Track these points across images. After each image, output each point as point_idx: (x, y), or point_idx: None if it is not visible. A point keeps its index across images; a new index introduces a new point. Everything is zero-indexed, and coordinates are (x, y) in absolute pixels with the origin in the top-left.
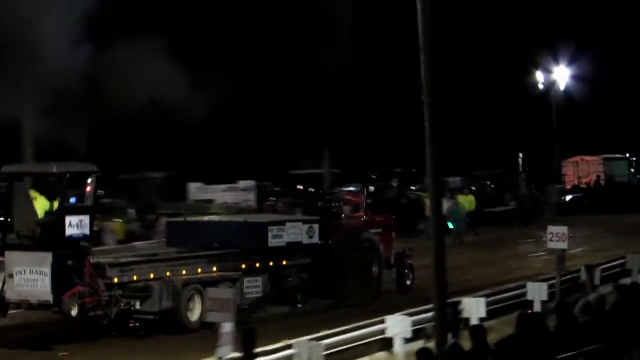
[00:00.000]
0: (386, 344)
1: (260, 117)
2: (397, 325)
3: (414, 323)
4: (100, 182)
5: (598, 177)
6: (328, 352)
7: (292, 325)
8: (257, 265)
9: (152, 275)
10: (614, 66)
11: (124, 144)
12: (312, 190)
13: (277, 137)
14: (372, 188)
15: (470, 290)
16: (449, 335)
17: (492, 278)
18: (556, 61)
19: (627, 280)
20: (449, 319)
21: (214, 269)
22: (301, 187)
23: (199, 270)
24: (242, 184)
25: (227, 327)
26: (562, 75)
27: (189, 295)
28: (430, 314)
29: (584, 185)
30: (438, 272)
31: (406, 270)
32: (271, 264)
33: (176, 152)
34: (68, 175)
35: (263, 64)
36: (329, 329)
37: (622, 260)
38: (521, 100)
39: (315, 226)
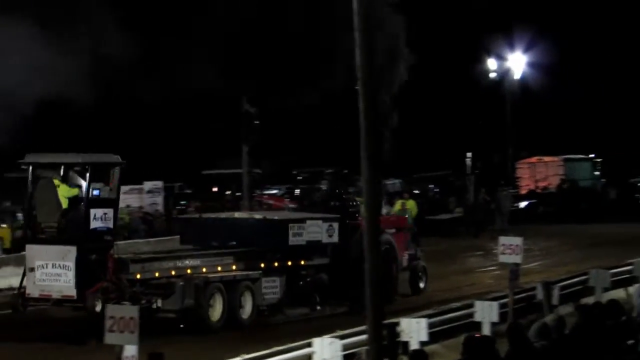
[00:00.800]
0: None
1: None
2: (325, 349)
3: (345, 347)
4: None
5: (562, 180)
6: None
7: (311, 328)
8: (276, 264)
9: (173, 273)
10: (577, 53)
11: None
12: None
13: (189, 132)
14: (297, 191)
15: (411, 310)
16: None
17: (435, 296)
18: (511, 47)
19: (589, 300)
20: (386, 342)
21: (234, 267)
22: (216, 189)
23: (219, 268)
24: (148, 185)
25: (131, 350)
26: (517, 63)
27: (211, 294)
28: (364, 337)
29: (540, 190)
30: (372, 289)
31: (420, 273)
32: (289, 263)
33: (76, 147)
34: (93, 166)
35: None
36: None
37: (583, 277)
38: (471, 92)
39: (335, 225)
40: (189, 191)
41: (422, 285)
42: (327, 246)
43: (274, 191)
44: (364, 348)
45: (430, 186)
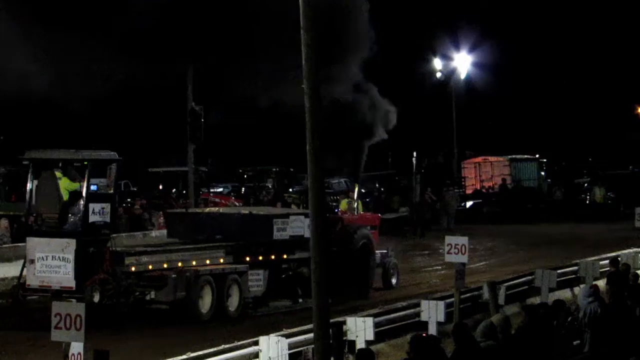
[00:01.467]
0: None
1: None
2: (272, 347)
3: (292, 345)
4: (124, 172)
5: (504, 180)
6: None
7: (294, 319)
8: (261, 258)
9: (166, 265)
10: (524, 54)
11: None
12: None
13: (133, 128)
14: (243, 189)
15: (357, 309)
16: None
17: (381, 295)
18: (457, 47)
19: (535, 300)
20: (332, 341)
21: (222, 260)
22: (161, 187)
23: (208, 262)
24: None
25: (77, 347)
26: (463, 62)
27: (201, 286)
28: (310, 335)
29: (485, 190)
30: (319, 288)
31: (391, 270)
32: (273, 257)
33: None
34: (91, 162)
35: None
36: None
37: (530, 277)
38: (416, 91)
39: None
40: (134, 189)
41: (393, 281)
42: (308, 240)
43: (220, 189)
44: (311, 346)
45: (375, 185)
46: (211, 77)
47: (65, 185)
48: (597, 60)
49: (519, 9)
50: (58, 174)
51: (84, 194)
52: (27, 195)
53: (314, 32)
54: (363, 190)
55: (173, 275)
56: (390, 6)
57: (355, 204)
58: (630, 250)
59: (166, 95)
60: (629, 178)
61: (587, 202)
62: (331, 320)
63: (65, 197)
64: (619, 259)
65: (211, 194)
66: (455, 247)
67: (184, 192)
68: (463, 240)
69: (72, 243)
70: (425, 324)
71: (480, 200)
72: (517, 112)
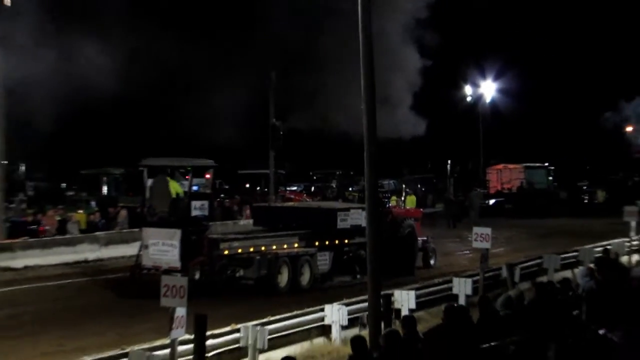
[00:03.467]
0: (325, 330)
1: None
2: (335, 313)
3: (351, 312)
4: (217, 173)
5: (521, 183)
6: (273, 336)
7: (352, 292)
8: (327, 243)
9: (252, 249)
10: (537, 82)
11: (85, 140)
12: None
13: (226, 138)
14: (312, 188)
15: (403, 284)
16: (382, 324)
17: (422, 273)
18: (483, 76)
19: (543, 278)
20: (382, 309)
21: (296, 245)
22: (248, 185)
23: (285, 246)
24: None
25: (180, 311)
26: (488, 89)
27: (280, 266)
28: (365, 304)
29: (506, 191)
30: (373, 267)
31: (430, 253)
32: (337, 242)
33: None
34: (194, 168)
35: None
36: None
37: (539, 260)
38: (451, 111)
39: None
40: (226, 187)
41: (432, 262)
42: (365, 229)
43: (294, 188)
44: (366, 313)
45: (418, 185)
46: (290, 97)
47: (173, 186)
48: (592, 89)
49: (534, 44)
50: (168, 178)
51: (188, 193)
52: (144, 193)
53: (371, 56)
54: (408, 190)
55: (258, 257)
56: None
57: (401, 200)
58: (618, 240)
59: (253, 111)
60: (619, 182)
61: (586, 201)
62: (382, 293)
63: (173, 195)
64: (609, 247)
65: (287, 192)
66: (481, 236)
67: (266, 189)
68: (487, 230)
69: (178, 232)
70: (456, 297)
71: (502, 199)
72: (531, 129)
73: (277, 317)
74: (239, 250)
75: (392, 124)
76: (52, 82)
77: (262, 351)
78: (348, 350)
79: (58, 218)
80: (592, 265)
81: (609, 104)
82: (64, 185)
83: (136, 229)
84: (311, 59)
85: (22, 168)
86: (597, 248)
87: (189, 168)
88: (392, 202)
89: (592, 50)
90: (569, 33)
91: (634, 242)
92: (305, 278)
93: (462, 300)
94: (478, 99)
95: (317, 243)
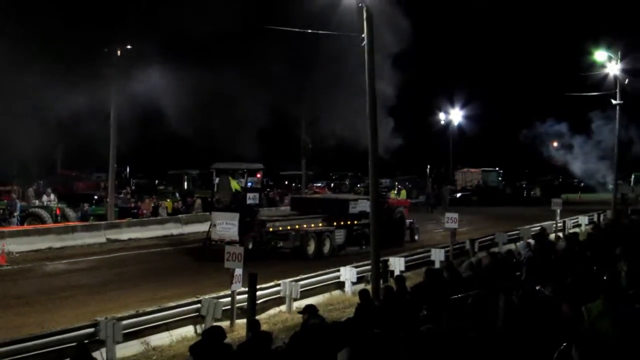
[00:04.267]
0: (340, 285)
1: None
2: (347, 273)
3: (358, 272)
4: (265, 174)
5: (478, 182)
6: (303, 289)
7: (360, 258)
8: (342, 223)
9: (289, 227)
10: (489, 110)
11: (171, 149)
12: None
13: (272, 147)
14: (332, 184)
15: (395, 253)
16: (389, 280)
17: (408, 246)
18: (453, 105)
19: (495, 249)
20: (381, 270)
21: (320, 224)
22: (286, 182)
23: (312, 225)
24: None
25: (238, 271)
26: (456, 115)
27: (309, 239)
28: (369, 267)
29: (469, 187)
30: (374, 240)
31: (414, 231)
32: (349, 223)
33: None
34: (249, 170)
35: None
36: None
37: (492, 236)
38: (428, 131)
39: None
40: (271, 183)
41: (416, 237)
42: (369, 214)
43: (319, 184)
44: (369, 273)
45: (406, 183)
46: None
47: (233, 183)
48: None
49: (487, 84)
50: (230, 177)
51: (244, 188)
52: (213, 188)
53: (373, 89)
54: (400, 186)
55: (293, 233)
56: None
57: (396, 194)
58: (547, 222)
59: (288, 127)
60: (549, 182)
61: (525, 195)
62: (381, 259)
63: (233, 190)
64: (544, 227)
65: (315, 187)
66: (451, 219)
67: (299, 185)
68: (455, 215)
69: (236, 215)
70: (433, 262)
71: (466, 193)
72: (486, 143)
73: (306, 275)
74: (280, 228)
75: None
76: (149, 108)
77: (295, 300)
78: (357, 299)
79: (152, 205)
80: (529, 240)
81: (528, 124)
82: (156, 181)
83: (207, 213)
84: (326, 87)
85: (128, 170)
86: (533, 228)
87: (245, 170)
88: (392, 195)
89: (526, 84)
90: (504, 74)
91: (559, 225)
92: (326, 248)
93: (437, 265)
94: (449, 122)
95: (335, 223)
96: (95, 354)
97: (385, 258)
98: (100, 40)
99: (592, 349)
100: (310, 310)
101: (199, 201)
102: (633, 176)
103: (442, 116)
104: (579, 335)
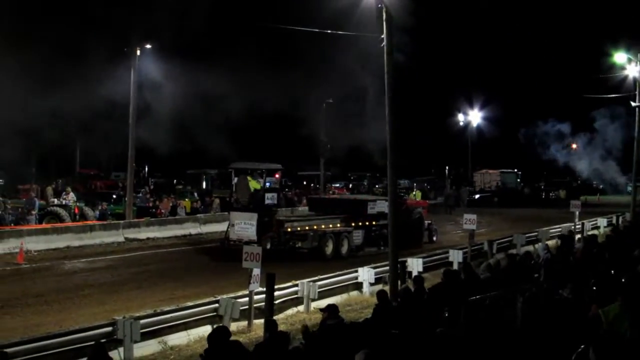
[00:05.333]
0: (358, 286)
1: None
2: (365, 273)
3: (376, 273)
4: (284, 174)
5: (497, 183)
6: (321, 289)
7: (378, 259)
8: (360, 224)
9: (307, 227)
10: (511, 111)
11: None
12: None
13: (290, 147)
14: (350, 185)
15: (414, 254)
16: (408, 281)
17: (427, 247)
18: (472, 106)
19: (513, 251)
20: (399, 271)
21: (338, 225)
22: (305, 182)
23: (331, 225)
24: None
25: (256, 271)
26: (475, 116)
27: (327, 239)
28: (387, 267)
29: (487, 189)
30: (392, 241)
31: (433, 232)
32: (367, 223)
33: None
34: (267, 170)
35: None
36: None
37: (510, 238)
38: (449, 132)
39: None
40: (290, 183)
41: (434, 238)
42: (387, 214)
43: (338, 184)
44: (387, 274)
45: (425, 184)
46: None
47: (252, 182)
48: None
49: (505, 87)
50: (248, 177)
51: (262, 188)
52: (231, 188)
53: (394, 92)
54: (418, 187)
55: (311, 233)
56: (433, 78)
57: (414, 194)
58: (566, 224)
59: (307, 129)
60: (567, 184)
61: (543, 197)
62: (399, 259)
63: (251, 190)
64: (571, 229)
65: (333, 187)
66: (469, 220)
67: (318, 186)
68: (473, 216)
69: (255, 215)
70: (451, 263)
71: (485, 194)
72: (506, 145)
73: (324, 276)
74: (298, 228)
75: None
76: (166, 112)
77: (313, 300)
78: (374, 300)
79: (171, 204)
80: (547, 242)
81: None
82: (175, 181)
83: (225, 213)
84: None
85: (146, 169)
86: (552, 230)
87: (263, 170)
88: (411, 196)
89: (544, 85)
90: (522, 76)
91: (577, 226)
92: (344, 249)
93: (455, 266)
94: (468, 123)
95: (353, 223)
96: (113, 353)
97: (404, 259)
98: (121, 38)
99: (609, 351)
100: (330, 309)
101: (217, 201)
102: None
103: (461, 117)
104: (596, 337)
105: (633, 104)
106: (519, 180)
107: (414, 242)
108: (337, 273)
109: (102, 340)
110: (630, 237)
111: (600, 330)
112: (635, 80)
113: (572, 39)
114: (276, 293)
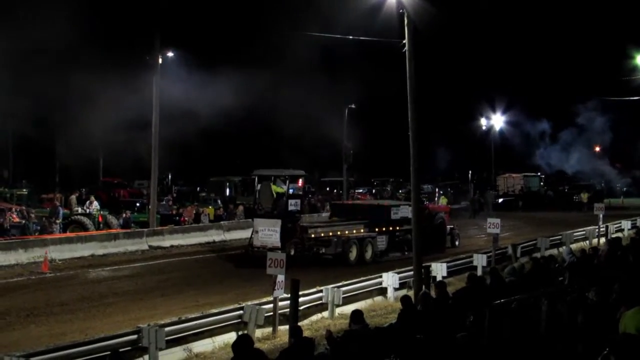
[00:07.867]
0: (382, 291)
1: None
2: (389, 279)
3: (401, 278)
4: (307, 180)
5: (521, 187)
6: (345, 295)
7: (402, 264)
8: (384, 229)
9: (331, 233)
10: (532, 115)
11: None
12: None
13: (313, 154)
14: (373, 190)
15: (437, 258)
16: (423, 287)
17: (450, 251)
18: (494, 111)
19: (537, 254)
20: (423, 276)
21: (362, 230)
22: (328, 188)
23: (354, 231)
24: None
25: (280, 277)
26: (498, 120)
27: (351, 245)
28: (411, 272)
29: (510, 193)
30: (416, 246)
31: (455, 237)
32: (391, 228)
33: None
34: (290, 177)
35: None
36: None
37: (534, 241)
38: (471, 136)
39: None
40: (313, 189)
41: (457, 243)
42: (410, 219)
43: (361, 190)
44: (412, 279)
45: (448, 189)
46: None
47: (275, 189)
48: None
49: (526, 92)
50: (271, 183)
51: (286, 194)
52: (255, 195)
53: (417, 97)
54: (441, 192)
55: (335, 239)
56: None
57: (437, 199)
58: (590, 227)
59: (330, 135)
60: (591, 187)
61: (566, 200)
62: (423, 264)
63: (274, 193)
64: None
65: (356, 193)
66: (493, 224)
67: (341, 192)
68: (497, 220)
69: (278, 222)
70: (475, 267)
71: (509, 198)
72: (526, 149)
73: (349, 281)
74: (322, 234)
75: None
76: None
77: (337, 305)
78: (399, 305)
79: (194, 212)
80: (571, 246)
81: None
82: (198, 188)
83: (249, 219)
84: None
85: (169, 177)
86: (576, 233)
87: (286, 176)
88: (442, 201)
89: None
90: (544, 79)
91: (601, 229)
92: (368, 254)
93: (479, 270)
94: (490, 127)
95: (376, 229)
96: None
97: (428, 264)
98: (142, 47)
99: (629, 355)
100: (355, 315)
101: (241, 208)
102: None
103: (483, 122)
104: (615, 340)
105: None
106: (542, 183)
107: (437, 247)
108: (362, 278)
109: (127, 348)
110: None
111: (620, 333)
112: None
113: (594, 41)
114: (301, 299)
